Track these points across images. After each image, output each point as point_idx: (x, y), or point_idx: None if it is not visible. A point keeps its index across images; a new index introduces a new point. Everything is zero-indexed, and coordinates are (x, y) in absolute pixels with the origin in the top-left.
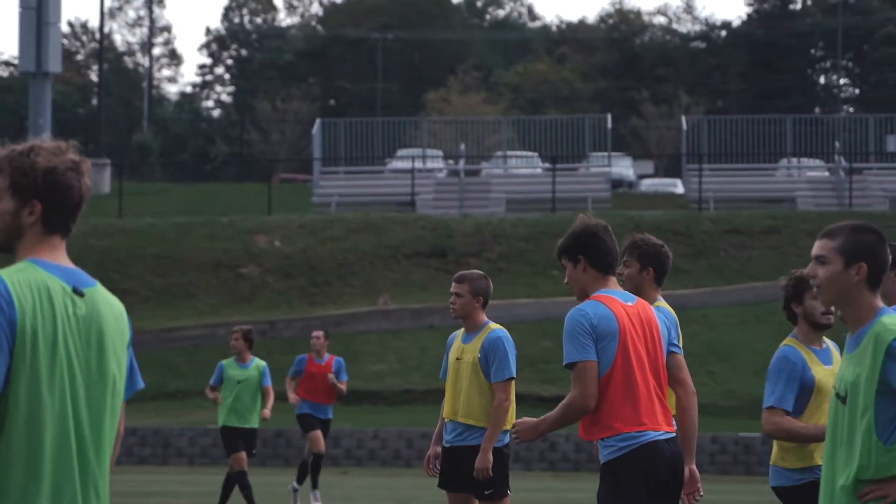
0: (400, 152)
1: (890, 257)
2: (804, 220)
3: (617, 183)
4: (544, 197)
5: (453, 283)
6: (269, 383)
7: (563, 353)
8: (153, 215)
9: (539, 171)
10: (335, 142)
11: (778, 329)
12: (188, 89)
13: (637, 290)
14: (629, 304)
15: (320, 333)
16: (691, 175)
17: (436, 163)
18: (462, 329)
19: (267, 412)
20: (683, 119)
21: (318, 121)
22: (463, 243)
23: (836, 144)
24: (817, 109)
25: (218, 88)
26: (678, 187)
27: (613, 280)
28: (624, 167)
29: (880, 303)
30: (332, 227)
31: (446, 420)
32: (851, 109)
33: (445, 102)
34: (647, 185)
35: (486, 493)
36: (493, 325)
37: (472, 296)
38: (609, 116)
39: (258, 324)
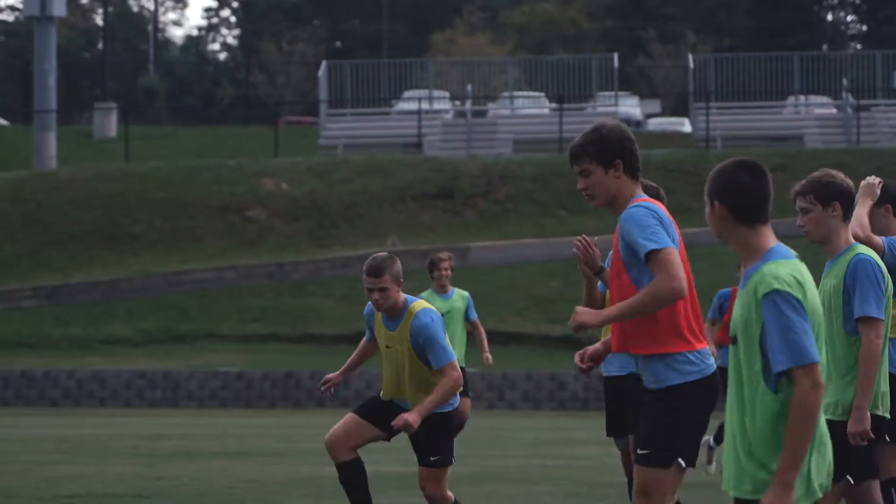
0: (406, 94)
1: (769, 190)
2: (812, 157)
3: (624, 122)
4: (551, 137)
5: (369, 279)
6: (475, 317)
7: (636, 246)
8: (160, 159)
9: (546, 111)
10: (341, 84)
11: None
12: (194, 32)
13: None
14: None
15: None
16: (698, 114)
17: (442, 104)
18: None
19: (489, 356)
20: (690, 58)
21: (324, 63)
22: (470, 184)
23: (844, 81)
24: (824, 46)
25: (224, 31)
26: (685, 126)
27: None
28: (631, 106)
29: (771, 241)
30: (338, 169)
31: (388, 399)
32: (859, 46)
33: (451, 43)
34: (655, 124)
35: (431, 459)
36: (415, 307)
37: (395, 283)
38: (616, 56)
39: (266, 266)
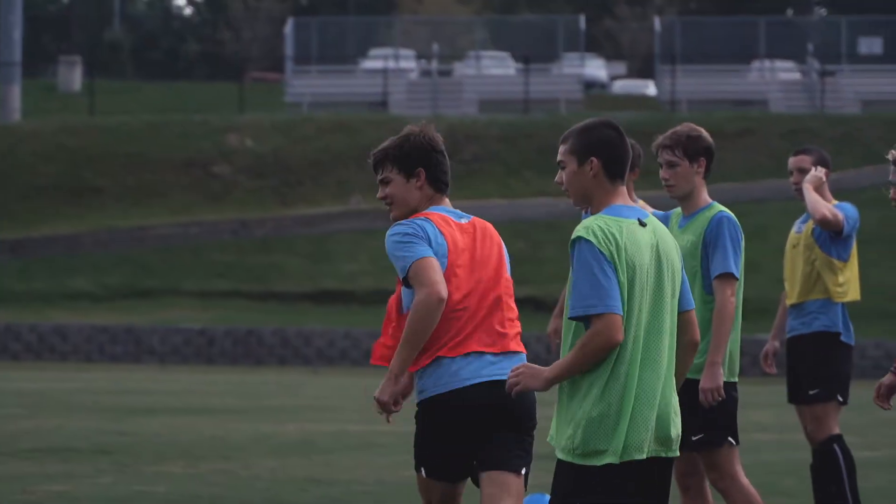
0: (372, 52)
1: (629, 150)
2: (776, 122)
3: (590, 84)
4: (517, 98)
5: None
6: None
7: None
8: (125, 113)
9: (512, 71)
10: (307, 41)
11: (749, 230)
12: None
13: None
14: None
15: None
16: (664, 76)
17: (408, 63)
18: None
19: None
20: (657, 20)
21: (290, 19)
22: None
23: (809, 46)
24: (790, 11)
25: None
26: (651, 89)
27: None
28: (597, 68)
29: (617, 200)
30: (304, 126)
31: None
32: (824, 11)
33: (418, 2)
34: (620, 86)
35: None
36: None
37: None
38: (582, 17)
39: (230, 223)
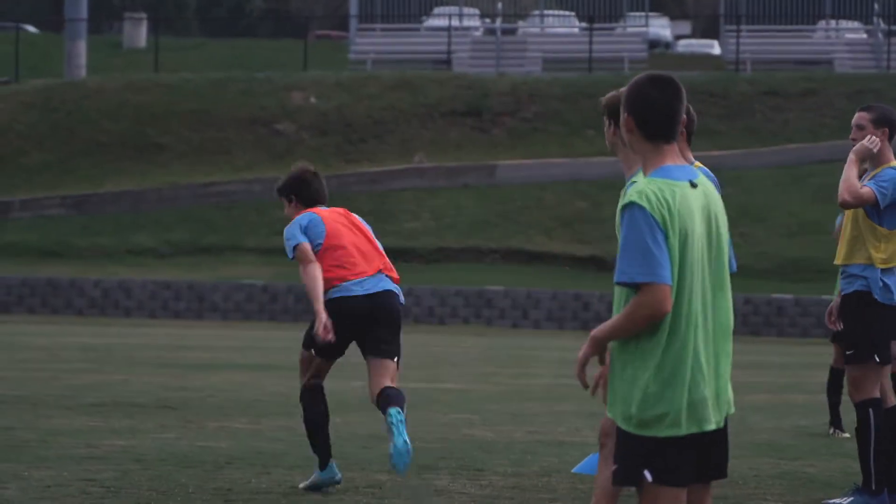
0: (436, 10)
1: (678, 109)
2: (841, 82)
3: (654, 43)
4: (581, 56)
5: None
6: None
7: None
8: (189, 70)
9: (576, 30)
10: None
11: (813, 191)
12: None
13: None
14: None
15: None
16: (728, 36)
17: (472, 21)
18: None
19: None
20: None
21: None
22: (499, 102)
23: (875, 6)
24: None
25: None
26: (715, 48)
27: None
28: (661, 27)
29: (667, 160)
30: (367, 84)
31: None
32: None
33: None
34: (684, 45)
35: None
36: None
37: None
38: None
39: None
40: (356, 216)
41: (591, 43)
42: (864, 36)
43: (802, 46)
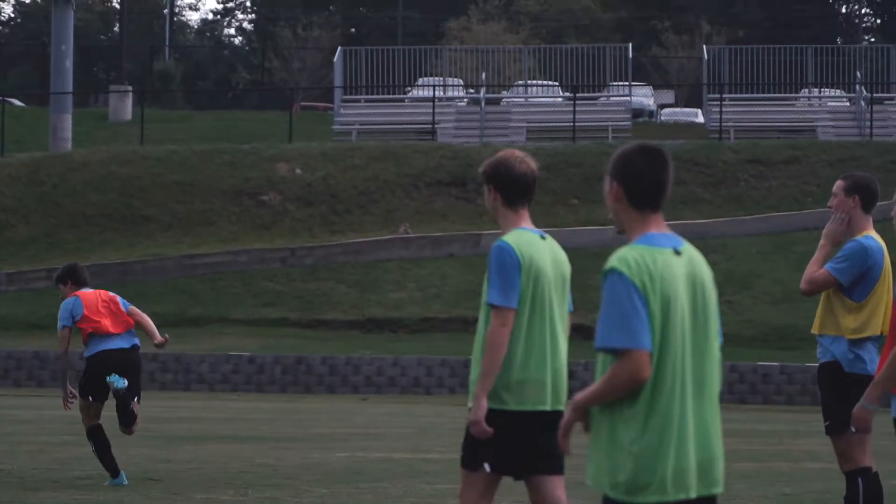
0: (421, 81)
1: (664, 179)
2: (824, 150)
3: (637, 112)
4: (565, 126)
5: None
6: None
7: None
8: (175, 142)
9: (560, 100)
10: (356, 70)
11: (797, 259)
12: (209, 16)
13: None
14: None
15: None
16: (712, 105)
17: (456, 91)
18: None
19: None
20: (704, 49)
21: (339, 49)
22: None
23: (857, 74)
24: (839, 40)
25: (239, 16)
26: (699, 117)
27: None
28: (644, 96)
29: (652, 228)
30: (352, 155)
31: None
32: (873, 39)
33: (466, 31)
34: (668, 114)
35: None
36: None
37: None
38: (630, 46)
39: (279, 251)
40: (108, 293)
41: (574, 112)
42: (847, 104)
43: (785, 115)
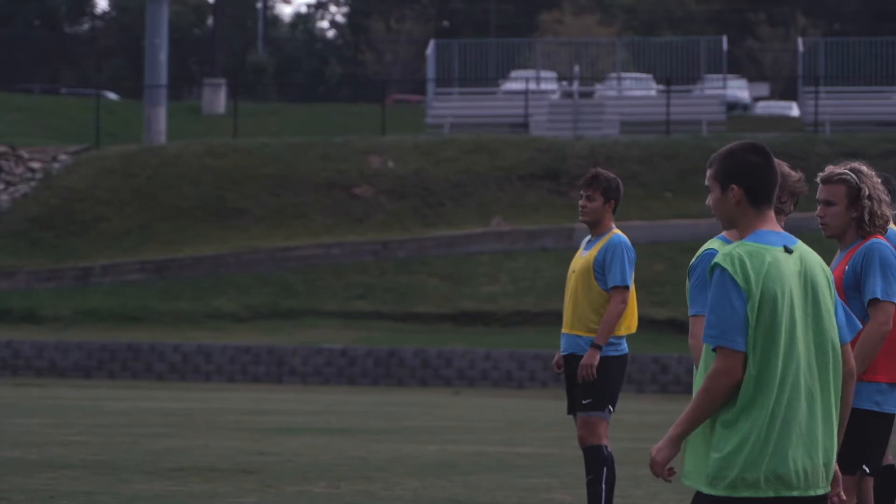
0: (513, 73)
1: (777, 173)
2: None
3: (731, 105)
4: (658, 119)
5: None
6: None
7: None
8: (268, 135)
9: (653, 93)
10: (449, 63)
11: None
12: (302, 10)
13: (598, 220)
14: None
15: None
16: (807, 97)
17: (549, 84)
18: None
19: None
20: (800, 41)
21: (432, 41)
22: (576, 165)
23: None
24: None
25: (332, 9)
26: (793, 110)
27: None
28: (739, 89)
29: (763, 225)
30: (445, 148)
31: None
32: None
33: (559, 24)
34: (762, 107)
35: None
36: (617, 231)
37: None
38: (724, 38)
39: (371, 244)
40: None
41: (668, 105)
42: None
43: (882, 107)
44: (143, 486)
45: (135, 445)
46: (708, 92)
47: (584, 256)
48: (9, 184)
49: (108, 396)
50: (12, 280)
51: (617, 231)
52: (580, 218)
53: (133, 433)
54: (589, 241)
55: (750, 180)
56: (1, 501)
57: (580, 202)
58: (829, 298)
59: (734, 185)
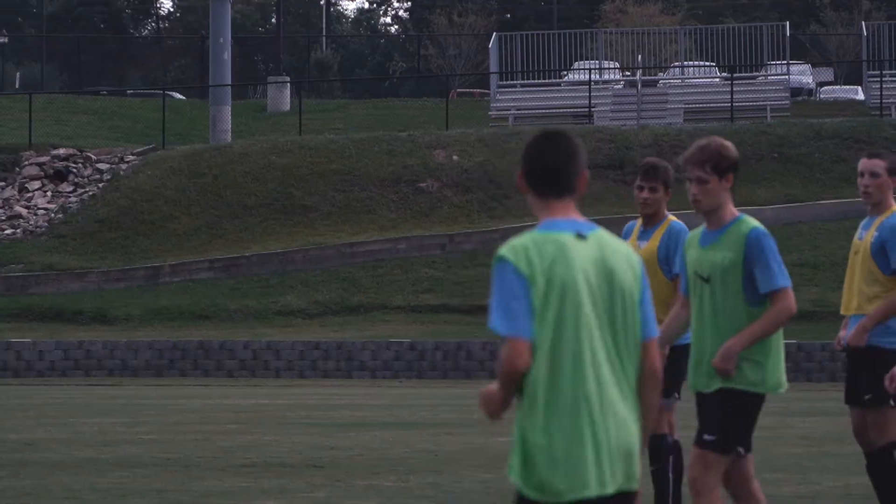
0: (576, 64)
1: (559, 165)
2: None
3: (796, 91)
4: (722, 106)
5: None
6: None
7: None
8: (333, 132)
9: (717, 80)
10: (511, 55)
11: None
12: (365, 6)
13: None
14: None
15: None
16: (872, 82)
17: (613, 74)
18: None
19: None
20: (864, 25)
21: (494, 35)
22: (641, 154)
23: None
24: None
25: (395, 4)
26: (858, 94)
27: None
28: (803, 75)
29: (552, 215)
30: (509, 140)
31: None
32: None
33: (622, 13)
34: (827, 92)
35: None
36: (673, 218)
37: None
38: (787, 24)
39: (437, 237)
40: None
41: (732, 92)
42: None
43: None
44: (214, 483)
45: (206, 442)
46: (772, 78)
47: (643, 248)
48: (77, 186)
49: (179, 394)
50: (83, 281)
51: (673, 218)
52: (642, 210)
53: (204, 430)
54: (644, 231)
55: (527, 168)
56: (74, 500)
57: (642, 195)
58: (633, 287)
59: (519, 177)
